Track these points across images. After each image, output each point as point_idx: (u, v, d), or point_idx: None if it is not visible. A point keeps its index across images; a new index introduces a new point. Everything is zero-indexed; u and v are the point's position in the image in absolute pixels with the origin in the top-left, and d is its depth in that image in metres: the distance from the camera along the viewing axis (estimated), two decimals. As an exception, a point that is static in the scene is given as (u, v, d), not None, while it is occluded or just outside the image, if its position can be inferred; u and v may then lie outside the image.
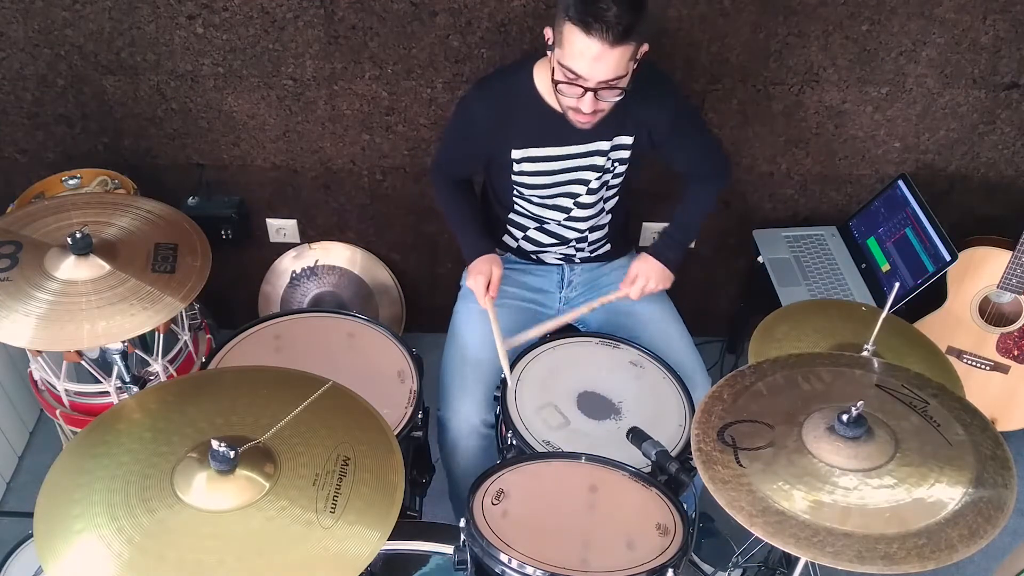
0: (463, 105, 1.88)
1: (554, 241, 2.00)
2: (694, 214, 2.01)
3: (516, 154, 1.82)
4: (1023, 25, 2.08)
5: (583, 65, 1.56)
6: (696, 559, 2.07)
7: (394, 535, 1.17)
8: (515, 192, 1.90)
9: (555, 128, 1.76)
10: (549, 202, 1.91)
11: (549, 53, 1.66)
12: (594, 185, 1.87)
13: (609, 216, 1.99)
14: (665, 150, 1.89)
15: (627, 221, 2.12)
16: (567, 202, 1.90)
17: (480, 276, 1.87)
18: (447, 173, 2.00)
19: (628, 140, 1.83)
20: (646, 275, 1.91)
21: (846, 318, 1.73)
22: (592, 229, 1.99)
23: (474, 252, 1.93)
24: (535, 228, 1.98)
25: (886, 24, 2.08)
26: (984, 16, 2.06)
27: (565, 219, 1.94)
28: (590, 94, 1.60)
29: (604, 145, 1.81)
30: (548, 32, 1.64)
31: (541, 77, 1.76)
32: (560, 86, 1.62)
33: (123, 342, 1.49)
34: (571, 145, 1.81)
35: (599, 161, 1.84)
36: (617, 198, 1.96)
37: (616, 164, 1.86)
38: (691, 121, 1.92)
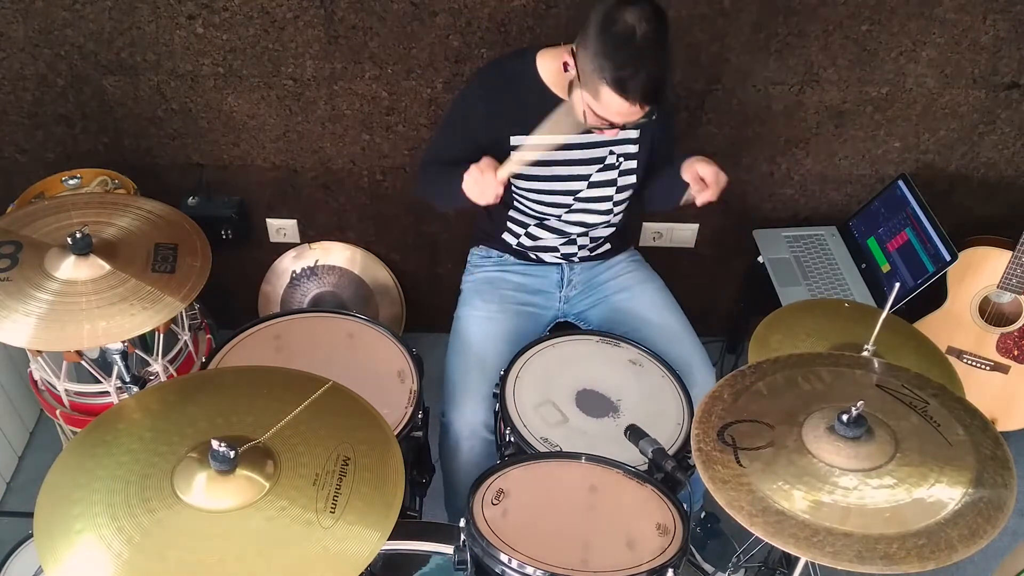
0: (462, 94, 1.88)
1: (554, 236, 1.99)
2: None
3: (515, 140, 1.81)
4: (1023, 25, 2.08)
5: (618, 118, 1.63)
6: (698, 559, 2.07)
7: (394, 535, 1.17)
8: (514, 187, 1.90)
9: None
10: (548, 199, 1.90)
11: (567, 73, 1.67)
12: (595, 179, 1.87)
13: (619, 217, 1.99)
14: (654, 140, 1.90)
15: (629, 221, 2.12)
16: (567, 199, 1.90)
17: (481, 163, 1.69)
18: (435, 163, 1.92)
19: (633, 134, 1.83)
20: (711, 171, 1.71)
21: (845, 319, 1.73)
22: (600, 226, 1.98)
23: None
24: (535, 225, 1.98)
25: (886, 24, 2.08)
26: (984, 16, 2.06)
27: (566, 214, 1.93)
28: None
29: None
30: (569, 59, 1.65)
31: (545, 65, 1.77)
32: (590, 120, 1.66)
33: (123, 342, 1.48)
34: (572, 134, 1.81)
35: (600, 153, 1.84)
36: (628, 201, 1.95)
37: (622, 159, 1.86)
38: (671, 110, 1.96)
